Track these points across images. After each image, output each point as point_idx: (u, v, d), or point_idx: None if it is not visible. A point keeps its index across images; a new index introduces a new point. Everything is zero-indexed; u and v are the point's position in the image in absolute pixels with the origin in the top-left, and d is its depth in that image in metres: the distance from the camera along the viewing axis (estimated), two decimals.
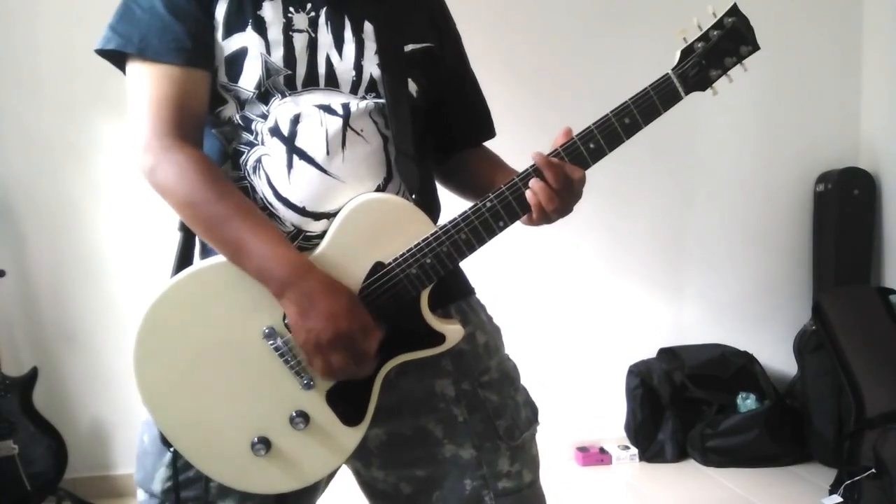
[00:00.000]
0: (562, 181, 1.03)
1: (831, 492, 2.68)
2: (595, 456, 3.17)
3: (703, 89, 1.09)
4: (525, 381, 1.24)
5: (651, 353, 3.32)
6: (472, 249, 1.05)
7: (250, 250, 0.99)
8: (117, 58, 1.07)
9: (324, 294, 0.98)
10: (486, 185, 1.12)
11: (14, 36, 2.83)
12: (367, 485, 1.19)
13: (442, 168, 1.28)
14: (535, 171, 1.05)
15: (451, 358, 1.12)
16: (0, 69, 2.83)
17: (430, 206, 1.13)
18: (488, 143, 1.32)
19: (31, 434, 2.63)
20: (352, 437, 1.05)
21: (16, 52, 2.84)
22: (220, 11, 1.05)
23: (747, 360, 3.25)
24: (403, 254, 1.03)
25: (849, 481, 2.60)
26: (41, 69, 2.85)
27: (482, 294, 1.23)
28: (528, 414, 1.19)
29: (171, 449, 1.05)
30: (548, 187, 1.03)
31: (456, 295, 1.16)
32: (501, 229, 1.05)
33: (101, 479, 2.93)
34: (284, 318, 1.01)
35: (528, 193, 1.04)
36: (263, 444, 1.03)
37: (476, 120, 1.28)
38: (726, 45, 1.07)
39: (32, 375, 2.69)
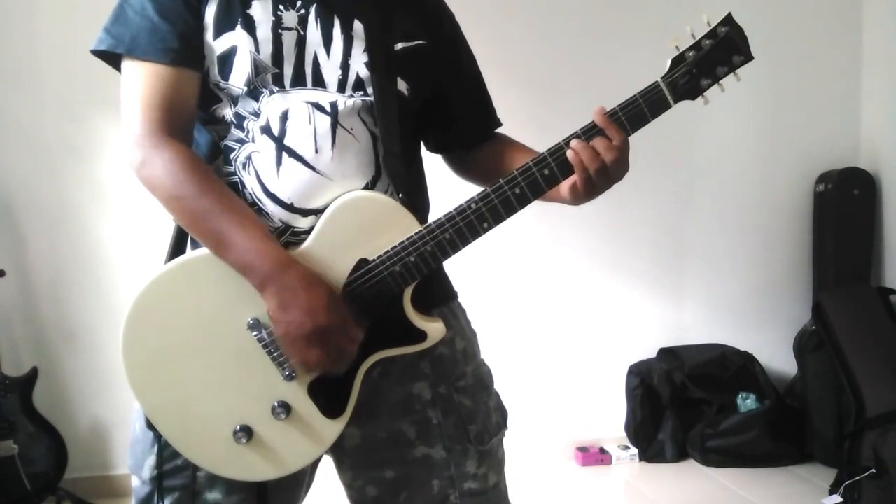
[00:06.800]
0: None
1: (831, 492, 2.68)
2: (595, 456, 3.17)
3: (694, 98, 1.09)
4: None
5: (651, 353, 3.32)
6: (455, 250, 1.05)
7: (232, 244, 1.00)
8: (112, 58, 1.09)
9: (303, 288, 0.99)
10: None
11: (14, 36, 2.85)
12: (344, 486, 1.20)
13: (464, 163, 1.30)
14: (526, 169, 1.05)
15: (431, 362, 1.14)
16: (0, 69, 2.84)
17: (417, 206, 1.14)
18: None
19: (31, 434, 2.64)
20: (332, 428, 1.07)
21: (16, 52, 2.85)
22: (210, 13, 1.07)
23: (747, 360, 3.25)
24: (388, 251, 1.04)
25: (849, 481, 2.59)
26: (41, 69, 2.86)
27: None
28: (497, 419, 1.21)
29: (158, 436, 1.07)
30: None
31: (439, 300, 1.17)
32: (486, 230, 1.05)
33: (101, 479, 2.94)
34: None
35: (569, 154, 1.04)
36: (245, 433, 1.04)
37: (478, 115, 1.28)
38: (718, 54, 1.07)
39: (32, 375, 2.70)
